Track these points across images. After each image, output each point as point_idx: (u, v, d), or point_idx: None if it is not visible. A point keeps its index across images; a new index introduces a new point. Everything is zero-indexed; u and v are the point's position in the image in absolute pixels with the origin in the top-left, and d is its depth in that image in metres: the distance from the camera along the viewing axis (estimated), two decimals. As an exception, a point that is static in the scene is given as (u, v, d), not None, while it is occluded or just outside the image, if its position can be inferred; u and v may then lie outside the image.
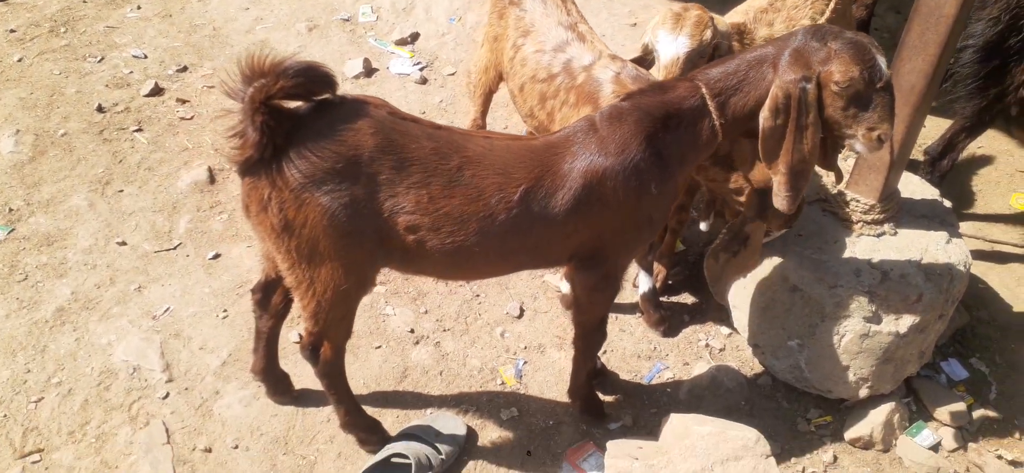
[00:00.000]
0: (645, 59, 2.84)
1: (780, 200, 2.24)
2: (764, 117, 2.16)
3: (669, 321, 3.30)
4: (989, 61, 3.08)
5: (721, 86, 2.20)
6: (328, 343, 2.39)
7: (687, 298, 3.48)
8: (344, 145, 2.02)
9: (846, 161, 2.94)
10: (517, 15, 3.09)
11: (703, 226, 3.00)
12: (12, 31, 5.15)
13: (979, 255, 3.66)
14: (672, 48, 2.67)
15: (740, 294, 3.05)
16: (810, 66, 2.11)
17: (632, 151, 2.19)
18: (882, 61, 2.07)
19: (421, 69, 4.88)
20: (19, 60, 4.84)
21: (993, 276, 3.55)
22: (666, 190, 2.33)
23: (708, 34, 2.69)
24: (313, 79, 1.98)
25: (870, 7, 4.49)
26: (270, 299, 2.62)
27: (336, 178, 2.02)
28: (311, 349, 2.42)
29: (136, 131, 4.30)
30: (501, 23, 3.20)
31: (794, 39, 2.15)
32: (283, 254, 2.16)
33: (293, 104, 2.06)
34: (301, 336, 2.51)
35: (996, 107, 3.20)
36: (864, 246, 2.81)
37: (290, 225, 2.08)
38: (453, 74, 4.85)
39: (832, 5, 2.99)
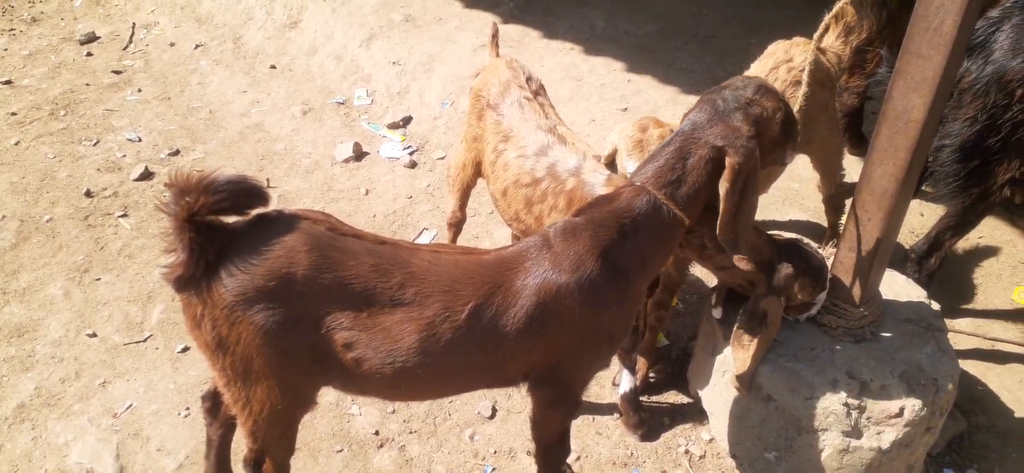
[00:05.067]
0: (614, 163, 2.80)
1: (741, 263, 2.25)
2: (725, 188, 2.12)
3: (648, 423, 3.16)
4: (969, 161, 2.98)
5: (664, 178, 2.16)
6: (270, 460, 2.30)
7: (669, 396, 3.35)
8: (277, 262, 1.95)
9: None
10: (495, 119, 3.06)
11: (717, 313, 2.90)
12: (13, 114, 5.25)
13: (978, 354, 3.48)
14: None
15: (716, 400, 2.92)
16: (746, 119, 2.16)
17: (588, 267, 2.12)
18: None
19: (411, 153, 4.87)
20: (16, 144, 4.91)
21: (992, 377, 3.37)
22: (626, 305, 2.26)
23: None
24: (242, 193, 1.93)
25: (861, 95, 4.42)
26: (220, 407, 2.54)
27: (268, 296, 1.95)
28: (254, 465, 2.33)
29: (121, 216, 4.30)
30: (480, 125, 3.17)
31: (710, 106, 2.20)
32: (218, 371, 2.09)
33: (231, 218, 2.02)
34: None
35: (980, 206, 3.08)
36: (842, 354, 2.67)
37: (224, 343, 2.01)
38: (443, 158, 4.82)
39: (802, 92, 2.91)
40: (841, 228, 3.84)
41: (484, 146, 3.14)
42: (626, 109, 5.06)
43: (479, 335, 2.07)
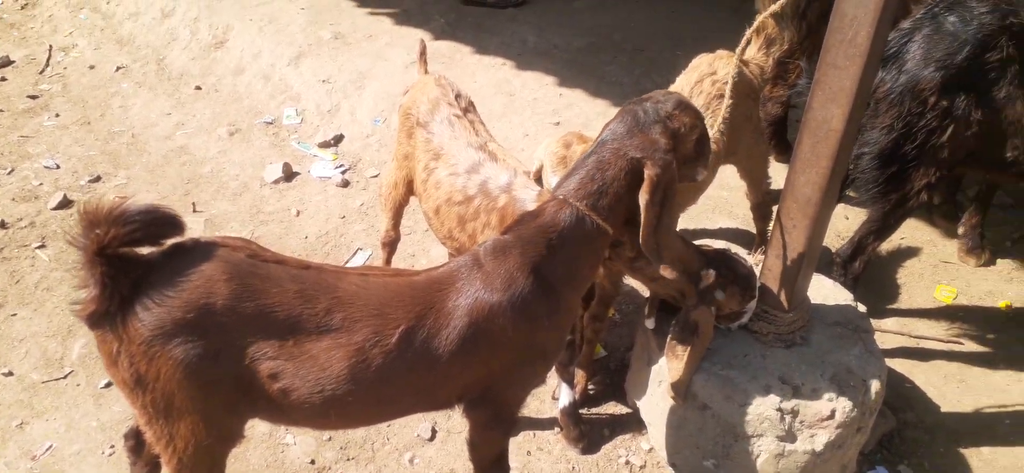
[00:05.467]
0: (542, 179, 2.81)
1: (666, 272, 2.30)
2: (645, 199, 2.12)
3: (589, 436, 3.15)
4: (887, 167, 3.07)
5: (586, 189, 2.16)
6: (198, 497, 2.20)
7: (609, 408, 3.35)
8: (195, 293, 1.88)
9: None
10: (425, 137, 3.03)
11: (649, 324, 2.91)
12: (-82, 145, 4.97)
13: (904, 353, 3.59)
14: None
15: (654, 410, 2.93)
16: (664, 133, 2.18)
17: (519, 285, 2.10)
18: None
19: (343, 172, 4.79)
20: (-79, 175, 4.65)
21: (919, 374, 3.48)
22: (559, 320, 2.25)
23: None
24: (155, 223, 1.85)
25: (784, 104, 4.53)
26: (144, 445, 2.43)
27: (187, 329, 1.87)
28: (181, 504, 2.23)
29: (39, 248, 4.11)
30: (410, 143, 3.13)
31: (631, 118, 2.22)
32: (139, 409, 2.00)
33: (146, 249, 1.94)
34: None
35: (900, 211, 3.18)
36: (774, 360, 2.71)
37: (142, 380, 1.92)
38: (376, 176, 4.76)
39: (726, 104, 2.96)
40: (769, 234, 3.93)
41: (415, 164, 3.11)
42: (558, 123, 5.08)
43: (411, 359, 2.03)
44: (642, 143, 2.18)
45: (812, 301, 2.91)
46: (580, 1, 7.05)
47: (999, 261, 4.18)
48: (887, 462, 3.09)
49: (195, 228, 4.25)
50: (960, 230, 4.21)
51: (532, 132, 5.00)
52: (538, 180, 2.84)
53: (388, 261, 3.66)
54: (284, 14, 6.48)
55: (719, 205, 4.49)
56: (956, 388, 3.41)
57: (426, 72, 3.36)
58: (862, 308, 3.01)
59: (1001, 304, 3.90)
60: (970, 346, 3.64)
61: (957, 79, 2.90)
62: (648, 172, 2.14)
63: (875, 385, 2.68)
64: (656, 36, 6.36)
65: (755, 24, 2.97)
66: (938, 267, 4.15)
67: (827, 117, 2.41)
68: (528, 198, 2.69)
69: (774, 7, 2.77)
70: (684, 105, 2.29)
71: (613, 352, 3.59)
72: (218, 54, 6.12)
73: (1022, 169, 3.06)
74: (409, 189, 3.27)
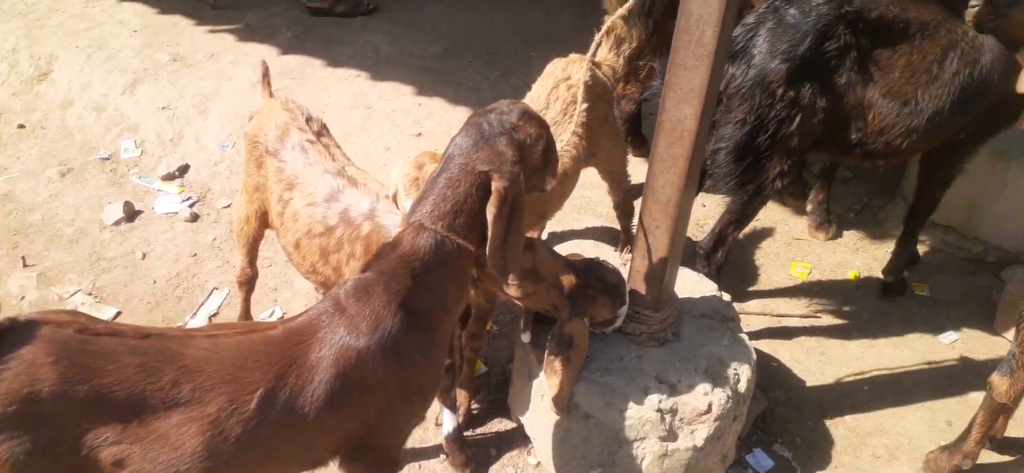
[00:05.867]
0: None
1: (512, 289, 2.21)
2: (493, 213, 2.06)
3: (475, 459, 3.08)
4: (742, 160, 3.17)
5: (441, 210, 2.08)
6: None
7: (494, 425, 3.29)
8: (16, 382, 1.64)
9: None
10: (277, 166, 2.84)
11: (525, 338, 2.86)
12: None
13: (768, 332, 3.74)
14: None
15: (538, 424, 2.89)
16: (510, 145, 2.12)
17: (387, 324, 1.99)
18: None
19: (191, 205, 4.48)
20: None
21: (784, 352, 3.63)
22: (433, 351, 2.16)
23: None
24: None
25: (638, 101, 4.63)
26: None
27: (10, 424, 1.64)
28: None
29: None
30: (260, 173, 2.93)
31: (476, 130, 2.14)
32: (-38, 519, 1.74)
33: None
34: None
35: (757, 200, 3.30)
36: (650, 360, 2.74)
37: (-40, 482, 1.67)
38: (228, 206, 4.48)
39: (581, 108, 2.94)
40: (634, 230, 4.00)
41: (268, 196, 2.92)
42: (420, 134, 4.98)
43: (275, 422, 1.87)
44: (489, 156, 2.12)
45: (679, 295, 2.96)
46: (431, 6, 6.95)
47: (845, 233, 4.45)
48: (763, 443, 3.21)
49: (27, 285, 3.84)
50: (808, 207, 4.44)
51: (394, 145, 4.86)
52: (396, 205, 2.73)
53: (246, 300, 3.43)
54: (115, 39, 6.00)
55: (583, 205, 4.52)
56: (818, 361, 3.59)
57: (271, 95, 3.17)
58: (727, 297, 3.10)
59: (851, 274, 4.15)
60: (827, 319, 3.85)
61: (801, 69, 3.02)
62: (495, 185, 2.08)
63: (746, 372, 2.76)
64: (509, 38, 6.36)
65: (605, 26, 2.98)
66: (792, 245, 4.36)
67: (681, 117, 2.43)
68: (393, 224, 2.58)
69: (622, 9, 2.78)
70: (529, 115, 2.25)
71: (494, 366, 3.54)
72: (42, 87, 5.58)
73: (866, 149, 3.23)
74: (263, 222, 3.08)
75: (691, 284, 3.12)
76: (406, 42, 6.18)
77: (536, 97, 3.29)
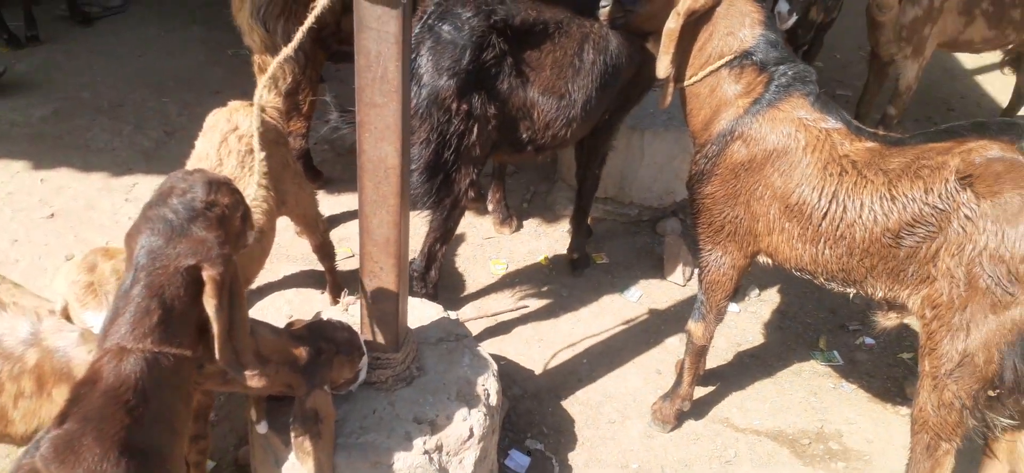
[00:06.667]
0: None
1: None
2: (213, 306, 1.86)
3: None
4: (435, 177, 3.22)
5: (145, 325, 1.81)
6: None
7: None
8: None
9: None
10: None
11: (262, 428, 2.56)
12: None
13: (488, 333, 3.87)
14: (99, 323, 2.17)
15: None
16: (209, 226, 1.93)
17: None
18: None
19: None
20: None
21: (508, 348, 3.77)
22: None
23: None
24: None
25: (306, 137, 4.47)
26: None
27: None
28: None
29: None
30: None
31: (163, 224, 1.88)
32: None
33: None
34: None
35: (455, 213, 3.38)
36: (403, 403, 2.66)
37: None
38: None
39: (259, 158, 2.72)
40: (336, 266, 3.85)
41: None
42: (52, 215, 4.29)
43: None
44: (191, 247, 1.88)
45: (413, 327, 2.91)
46: (21, 62, 5.89)
47: (526, 222, 4.76)
48: (515, 442, 3.30)
49: None
50: (490, 207, 4.67)
51: (23, 235, 4.11)
52: (68, 320, 2.30)
53: None
54: None
55: (277, 253, 4.23)
56: (538, 348, 3.80)
57: None
58: (454, 315, 3.12)
59: (541, 259, 4.45)
60: (534, 304, 4.09)
61: (468, 82, 3.12)
62: (207, 275, 1.87)
63: (493, 385, 2.81)
64: (133, 87, 5.67)
65: (269, 71, 2.77)
66: (484, 245, 4.55)
67: (382, 156, 2.38)
68: (69, 343, 2.17)
69: (284, 52, 2.60)
70: (215, 183, 2.03)
71: (222, 457, 3.18)
72: None
73: (538, 145, 3.46)
74: None
75: (418, 311, 3.09)
76: (3, 109, 5.21)
77: (204, 155, 3.02)
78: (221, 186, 2.04)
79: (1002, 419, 2.40)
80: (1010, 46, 5.34)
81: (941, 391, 2.40)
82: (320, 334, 2.45)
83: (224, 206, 2.02)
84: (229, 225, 2.04)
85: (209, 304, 1.87)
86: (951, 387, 2.37)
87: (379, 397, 2.67)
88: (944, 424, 2.43)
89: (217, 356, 1.90)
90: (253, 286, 3.99)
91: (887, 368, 3.82)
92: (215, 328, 1.88)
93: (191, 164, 3.05)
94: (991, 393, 2.33)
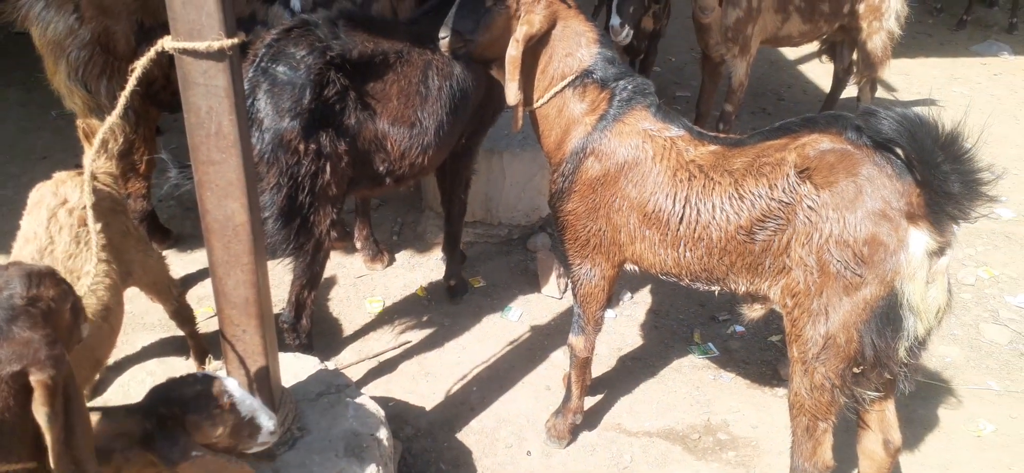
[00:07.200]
0: None
1: None
2: (45, 414, 1.65)
3: None
4: (291, 222, 3.07)
5: None
6: None
7: None
8: None
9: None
10: None
11: None
12: None
13: (372, 375, 3.71)
14: None
15: None
16: (34, 325, 1.70)
17: None
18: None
19: None
20: None
21: (394, 387, 3.63)
22: None
23: None
24: None
25: (148, 197, 4.16)
26: None
27: None
28: None
29: None
30: None
31: None
32: None
33: None
34: None
35: (319, 255, 3.22)
36: (288, 469, 2.48)
37: None
38: None
39: (94, 231, 2.47)
40: (198, 329, 3.58)
41: None
42: None
43: None
44: (14, 352, 1.67)
45: (287, 385, 2.73)
46: None
47: (398, 255, 4.63)
48: (409, 484, 3.17)
49: None
50: (358, 245, 4.51)
51: None
52: None
53: None
54: None
55: (131, 323, 3.91)
56: (426, 382, 3.68)
57: None
58: (332, 364, 2.97)
59: (418, 291, 4.34)
60: (416, 338, 3.97)
61: (313, 121, 2.97)
62: (36, 379, 1.66)
63: (383, 432, 2.69)
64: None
65: (97, 139, 2.52)
66: (358, 283, 4.38)
67: (229, 214, 2.23)
68: None
69: (110, 118, 2.36)
70: (35, 276, 1.79)
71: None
72: None
73: (396, 176, 3.35)
74: None
75: (292, 366, 2.92)
76: None
77: (32, 235, 2.75)
78: (43, 277, 1.80)
79: (869, 392, 2.50)
80: (824, 36, 5.80)
81: (812, 375, 2.48)
82: (161, 400, 2.13)
83: (49, 299, 1.79)
84: (57, 320, 1.81)
85: (39, 413, 1.65)
86: (820, 370, 2.46)
87: (261, 467, 2.48)
88: (818, 405, 2.52)
89: (52, 468, 1.69)
90: (109, 362, 3.66)
91: (760, 353, 3.96)
92: (49, 438, 1.67)
93: (17, 246, 2.77)
94: (856, 370, 2.43)
